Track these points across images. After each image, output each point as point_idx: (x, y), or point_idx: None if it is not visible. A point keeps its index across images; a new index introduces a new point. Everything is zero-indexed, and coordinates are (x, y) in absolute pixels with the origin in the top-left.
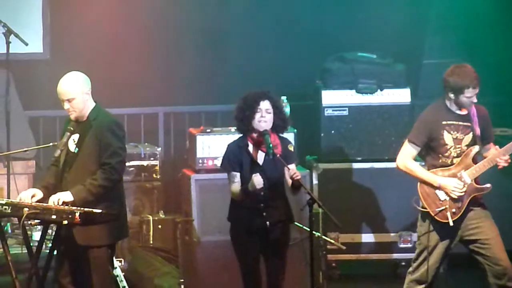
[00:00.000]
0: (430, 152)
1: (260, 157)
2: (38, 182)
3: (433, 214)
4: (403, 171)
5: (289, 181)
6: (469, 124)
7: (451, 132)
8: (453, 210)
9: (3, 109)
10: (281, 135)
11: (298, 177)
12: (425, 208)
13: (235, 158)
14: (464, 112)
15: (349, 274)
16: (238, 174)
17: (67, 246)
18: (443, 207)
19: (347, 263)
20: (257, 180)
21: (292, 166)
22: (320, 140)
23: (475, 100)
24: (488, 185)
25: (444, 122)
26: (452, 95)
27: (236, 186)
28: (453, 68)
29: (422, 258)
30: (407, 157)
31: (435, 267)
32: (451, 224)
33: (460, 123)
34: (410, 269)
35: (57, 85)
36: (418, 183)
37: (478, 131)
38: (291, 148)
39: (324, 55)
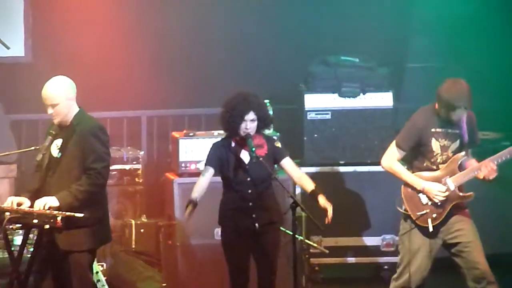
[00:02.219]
0: (417, 155)
1: (245, 156)
2: (23, 190)
3: (414, 218)
4: (388, 172)
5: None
6: (457, 131)
7: (439, 139)
8: (434, 215)
9: None
10: (266, 134)
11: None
12: (407, 211)
13: (215, 155)
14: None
15: (332, 277)
16: (211, 170)
17: (48, 250)
18: (424, 212)
19: (330, 267)
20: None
21: (286, 160)
22: (303, 143)
23: (463, 118)
24: (471, 193)
25: (433, 130)
26: (443, 110)
27: (202, 180)
28: (449, 84)
29: (406, 262)
30: (393, 158)
31: (420, 272)
32: (431, 229)
33: (449, 130)
34: (395, 275)
35: (39, 89)
36: (403, 185)
37: (466, 138)
38: (278, 145)
39: (307, 58)
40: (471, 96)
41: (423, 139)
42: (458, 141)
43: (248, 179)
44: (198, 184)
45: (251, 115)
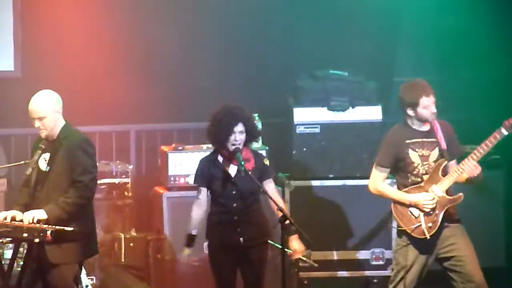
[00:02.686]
0: (399, 172)
1: (232, 170)
2: (13, 204)
3: (410, 232)
4: (376, 195)
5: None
6: (433, 139)
7: (416, 149)
8: (429, 224)
9: None
10: (255, 149)
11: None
12: (401, 227)
13: (206, 173)
14: (426, 127)
15: None
16: (204, 190)
17: (37, 263)
18: (419, 224)
19: (320, 281)
20: (183, 258)
21: (269, 182)
22: (292, 157)
23: (434, 110)
24: (460, 194)
25: (408, 141)
26: (411, 111)
27: (198, 202)
28: (403, 85)
29: (399, 278)
30: (377, 181)
31: (412, 287)
32: (428, 237)
33: (425, 139)
34: None
35: (28, 103)
36: (392, 204)
37: (443, 145)
38: (267, 163)
39: (296, 72)
40: (428, 85)
41: (400, 152)
42: (436, 149)
43: (234, 192)
44: (196, 214)
45: (239, 127)
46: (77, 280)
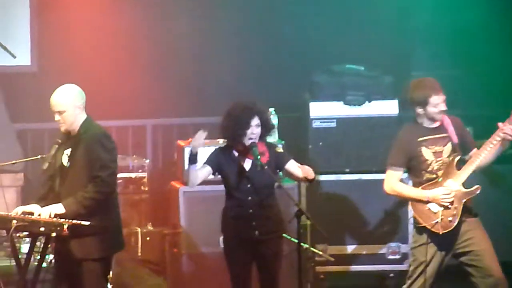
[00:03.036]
0: (413, 170)
1: (247, 164)
2: (31, 198)
3: (430, 228)
4: (393, 195)
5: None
6: (445, 134)
7: (429, 146)
8: (449, 218)
9: None
10: (268, 141)
11: (312, 177)
12: (420, 223)
13: (216, 159)
14: (437, 123)
15: (337, 286)
16: (207, 167)
17: (63, 259)
18: (439, 218)
19: (336, 275)
20: (198, 135)
21: (290, 163)
22: (308, 152)
23: (444, 108)
24: (477, 186)
25: (420, 139)
26: (420, 110)
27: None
28: (412, 83)
29: (417, 274)
30: (393, 181)
31: (429, 284)
32: (453, 227)
33: (436, 136)
34: (405, 286)
35: (45, 98)
36: (410, 203)
37: (455, 138)
38: (279, 150)
39: (312, 67)
40: (437, 82)
41: (413, 151)
42: (449, 144)
43: (248, 185)
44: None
45: (255, 120)
46: (107, 276)
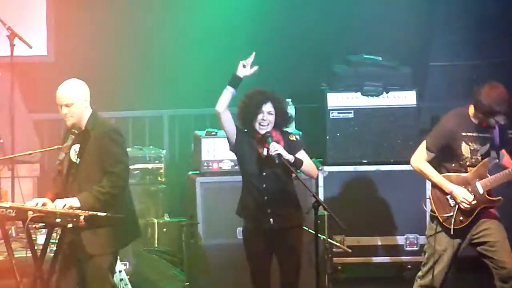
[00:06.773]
0: (446, 156)
1: (264, 152)
2: (46, 191)
3: (441, 220)
4: (416, 171)
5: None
6: (488, 135)
7: (469, 143)
8: (461, 218)
9: (8, 112)
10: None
11: (277, 151)
12: (434, 212)
13: (240, 136)
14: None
15: (355, 277)
16: (234, 126)
17: (72, 251)
18: (451, 214)
19: (353, 266)
20: (249, 59)
21: (301, 154)
22: (326, 142)
23: (502, 122)
24: (500, 197)
25: (464, 134)
26: (481, 115)
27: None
28: (489, 89)
29: (432, 262)
30: (421, 159)
31: (445, 272)
32: (452, 232)
33: (480, 134)
34: (420, 273)
35: None
36: (430, 186)
37: (497, 141)
38: (293, 138)
39: (330, 58)
40: (511, 101)
41: (454, 142)
42: (488, 145)
43: (264, 173)
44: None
45: (268, 107)
46: (112, 270)
